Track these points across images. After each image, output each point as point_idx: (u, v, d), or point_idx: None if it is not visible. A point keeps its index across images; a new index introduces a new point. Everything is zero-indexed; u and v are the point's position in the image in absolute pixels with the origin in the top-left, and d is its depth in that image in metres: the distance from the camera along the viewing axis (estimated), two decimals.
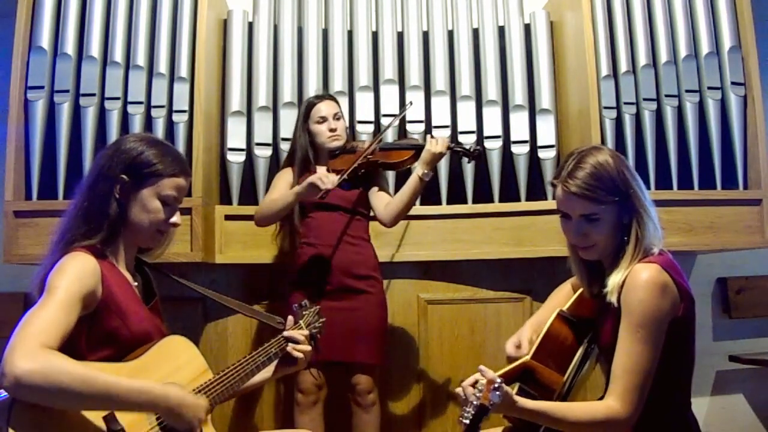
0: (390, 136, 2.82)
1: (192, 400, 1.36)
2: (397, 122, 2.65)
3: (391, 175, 2.77)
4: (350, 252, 2.41)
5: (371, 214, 2.50)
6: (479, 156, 2.40)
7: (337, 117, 2.52)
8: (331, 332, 2.11)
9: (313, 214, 2.46)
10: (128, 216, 1.48)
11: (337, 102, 2.58)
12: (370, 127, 2.86)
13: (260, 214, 2.46)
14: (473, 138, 2.87)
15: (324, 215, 2.45)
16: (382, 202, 2.42)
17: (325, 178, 2.24)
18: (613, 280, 1.46)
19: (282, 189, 2.48)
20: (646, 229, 1.46)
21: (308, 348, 1.71)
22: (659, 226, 1.50)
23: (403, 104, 2.90)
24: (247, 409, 2.80)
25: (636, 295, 1.39)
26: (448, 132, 2.88)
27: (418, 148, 2.35)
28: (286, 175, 2.53)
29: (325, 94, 2.62)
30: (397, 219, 2.39)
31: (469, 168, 2.83)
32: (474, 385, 1.32)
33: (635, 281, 1.41)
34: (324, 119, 2.50)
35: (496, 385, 1.27)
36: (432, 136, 2.33)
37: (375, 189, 2.47)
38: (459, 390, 1.37)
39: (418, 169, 2.30)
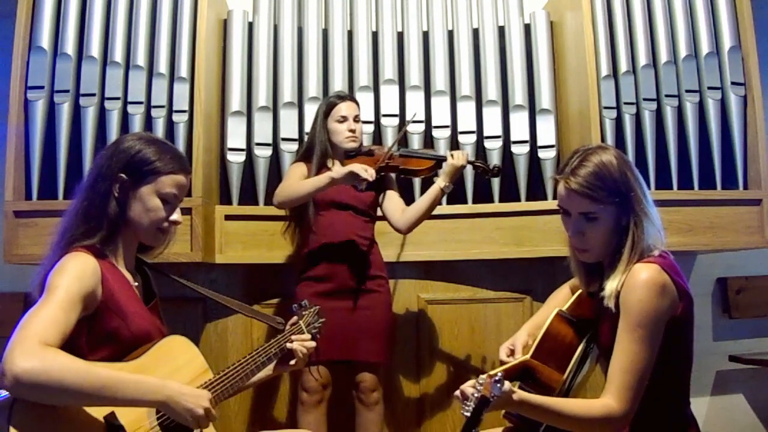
0: (389, 134, 2.82)
1: (191, 390, 1.34)
2: (407, 128, 2.69)
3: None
4: (360, 252, 2.42)
5: (378, 214, 2.52)
6: (499, 172, 2.45)
7: (356, 119, 2.52)
8: (337, 331, 2.12)
9: (324, 213, 2.46)
10: (128, 215, 1.48)
11: (358, 104, 2.59)
12: (370, 127, 2.87)
13: (283, 195, 2.40)
14: (473, 138, 2.87)
15: (335, 214, 2.44)
16: (398, 208, 2.45)
17: (368, 169, 2.24)
18: (610, 286, 1.45)
19: (299, 180, 2.44)
20: (645, 233, 1.46)
21: (312, 344, 1.73)
22: (661, 229, 1.50)
23: (403, 104, 2.90)
24: (249, 408, 2.79)
25: (635, 294, 1.40)
26: (448, 132, 2.88)
27: (439, 160, 2.40)
28: (300, 168, 2.50)
29: (348, 95, 2.62)
30: (413, 226, 2.42)
31: (468, 168, 2.83)
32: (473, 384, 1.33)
33: (634, 281, 1.41)
34: (344, 119, 2.49)
35: (498, 378, 1.28)
36: (452, 151, 2.38)
37: (391, 193, 2.49)
38: (457, 392, 1.37)
39: (440, 181, 2.34)
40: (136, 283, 1.54)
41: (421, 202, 2.39)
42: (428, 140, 2.89)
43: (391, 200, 2.48)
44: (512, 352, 1.72)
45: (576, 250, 1.55)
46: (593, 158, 1.48)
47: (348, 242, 2.42)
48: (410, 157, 2.49)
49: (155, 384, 1.29)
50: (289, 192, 2.39)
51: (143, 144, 1.50)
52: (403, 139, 2.73)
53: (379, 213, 2.54)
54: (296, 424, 2.43)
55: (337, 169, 2.32)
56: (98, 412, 1.29)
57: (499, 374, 1.29)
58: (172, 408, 1.29)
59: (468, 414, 1.26)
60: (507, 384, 1.31)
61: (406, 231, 2.45)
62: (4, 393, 1.20)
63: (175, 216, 1.53)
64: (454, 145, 2.88)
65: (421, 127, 2.88)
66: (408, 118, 2.86)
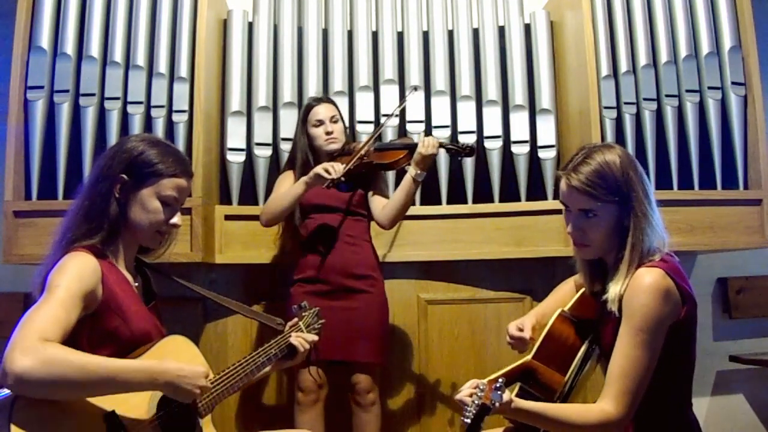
0: (390, 134, 2.81)
1: (189, 368, 1.36)
2: (397, 111, 2.64)
3: (390, 175, 2.77)
4: (348, 252, 2.42)
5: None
6: (472, 151, 2.36)
7: (334, 120, 2.51)
8: (331, 332, 2.13)
9: (313, 216, 2.47)
10: (128, 216, 1.48)
11: (334, 104, 2.58)
12: (370, 127, 2.86)
13: (267, 213, 2.45)
14: (473, 138, 2.87)
15: (323, 217, 2.46)
16: (380, 204, 2.44)
17: (331, 168, 2.26)
18: (613, 289, 1.45)
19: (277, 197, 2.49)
20: (644, 235, 1.45)
21: (313, 337, 1.77)
22: (663, 232, 1.49)
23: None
24: (247, 409, 2.79)
25: (638, 299, 1.39)
26: (448, 132, 2.88)
27: (412, 148, 2.35)
28: (288, 179, 2.53)
29: (323, 97, 2.63)
30: (393, 221, 2.41)
31: (469, 168, 2.83)
32: (475, 387, 1.32)
33: (638, 285, 1.40)
34: (321, 122, 2.50)
35: (498, 385, 1.28)
36: (425, 137, 2.33)
37: (373, 191, 2.48)
38: (457, 396, 1.37)
39: (411, 171, 2.31)
40: (137, 284, 1.55)
41: (397, 195, 2.37)
42: None
43: (374, 197, 2.47)
44: (520, 331, 1.74)
45: (575, 246, 1.56)
46: (597, 156, 1.49)
47: (335, 243, 2.42)
48: (384, 150, 2.45)
49: (156, 369, 1.31)
50: (272, 209, 2.44)
51: (146, 146, 1.50)
52: (379, 136, 2.64)
53: None
54: (294, 425, 2.43)
55: (307, 175, 2.34)
56: (98, 410, 1.29)
57: (500, 381, 1.29)
58: (173, 390, 1.33)
59: (468, 421, 1.26)
60: (506, 393, 1.30)
61: (388, 226, 2.43)
62: (5, 391, 1.20)
63: (175, 219, 1.53)
64: None
65: (421, 127, 2.88)
66: (409, 117, 2.86)
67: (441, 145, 2.33)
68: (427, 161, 2.30)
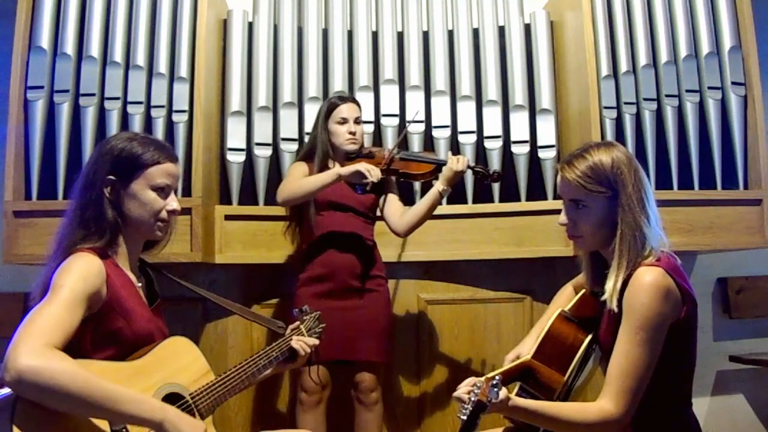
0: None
1: (189, 418, 1.33)
2: (409, 128, 2.68)
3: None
4: (358, 253, 2.43)
5: (378, 216, 2.53)
6: (498, 178, 2.44)
7: (357, 121, 2.52)
8: (337, 331, 2.14)
9: (325, 213, 2.46)
10: (126, 214, 1.48)
11: (359, 106, 2.59)
12: (370, 128, 2.86)
13: (288, 192, 2.40)
14: (473, 138, 2.87)
15: (335, 215, 2.46)
16: (397, 211, 2.46)
17: (372, 170, 2.27)
18: (608, 286, 1.46)
19: (301, 179, 2.46)
20: (631, 230, 1.46)
21: (313, 341, 1.77)
22: (659, 231, 1.50)
23: (403, 104, 2.90)
24: (249, 408, 2.79)
25: (638, 297, 1.40)
26: (448, 132, 2.88)
27: (440, 164, 2.39)
28: (301, 168, 2.51)
29: (350, 97, 2.63)
30: (411, 230, 2.43)
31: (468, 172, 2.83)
32: (472, 385, 1.33)
33: (639, 284, 1.41)
34: (345, 121, 2.50)
35: (495, 382, 1.28)
36: (453, 155, 2.37)
37: (391, 197, 2.50)
38: (455, 394, 1.37)
39: (439, 185, 2.33)
40: (140, 284, 1.54)
41: (420, 205, 2.39)
42: (428, 140, 2.89)
43: (391, 204, 2.49)
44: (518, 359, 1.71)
45: (568, 237, 1.58)
46: (593, 152, 1.51)
47: (347, 243, 2.43)
48: (410, 160, 2.47)
49: (156, 405, 1.29)
50: (294, 189, 2.39)
51: (125, 142, 1.50)
52: (403, 142, 2.71)
53: (378, 214, 2.54)
54: (296, 424, 2.44)
55: (344, 167, 2.34)
56: None
57: (497, 378, 1.29)
58: (168, 430, 1.27)
59: (465, 418, 1.26)
60: (504, 391, 1.31)
61: (405, 234, 2.46)
62: (6, 391, 1.20)
63: (174, 204, 1.52)
64: (454, 145, 2.88)
65: (421, 127, 2.88)
66: (408, 117, 2.86)
67: (469, 166, 2.36)
68: (457, 178, 2.34)
